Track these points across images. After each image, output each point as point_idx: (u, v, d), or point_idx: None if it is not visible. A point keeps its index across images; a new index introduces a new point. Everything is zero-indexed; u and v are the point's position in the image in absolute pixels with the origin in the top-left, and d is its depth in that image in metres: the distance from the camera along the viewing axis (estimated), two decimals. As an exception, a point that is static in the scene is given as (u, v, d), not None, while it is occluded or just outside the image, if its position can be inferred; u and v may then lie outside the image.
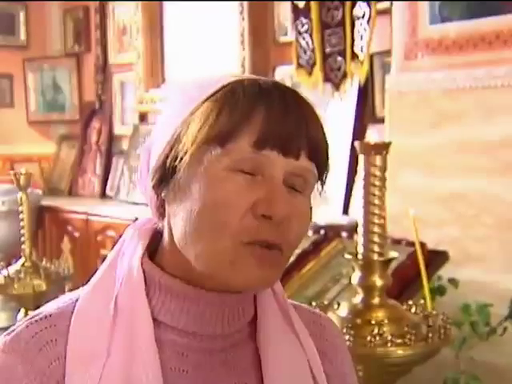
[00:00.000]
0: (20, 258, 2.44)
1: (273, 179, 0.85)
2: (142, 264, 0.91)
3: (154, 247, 0.94)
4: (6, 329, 0.92)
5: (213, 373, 0.91)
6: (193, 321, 0.90)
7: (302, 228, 0.88)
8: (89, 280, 0.95)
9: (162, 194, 0.90)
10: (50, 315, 0.90)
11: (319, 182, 0.91)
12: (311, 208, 0.90)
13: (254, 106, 0.85)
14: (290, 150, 0.85)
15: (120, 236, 0.97)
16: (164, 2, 4.92)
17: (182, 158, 0.86)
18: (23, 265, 2.41)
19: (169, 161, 0.87)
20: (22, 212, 2.42)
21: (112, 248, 0.97)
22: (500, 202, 2.61)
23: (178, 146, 0.87)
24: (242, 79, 0.89)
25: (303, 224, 0.88)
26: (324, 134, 0.89)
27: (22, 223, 2.42)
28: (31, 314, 0.93)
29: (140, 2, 4.88)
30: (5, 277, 2.37)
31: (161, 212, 0.93)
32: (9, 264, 2.47)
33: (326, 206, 3.27)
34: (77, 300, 0.92)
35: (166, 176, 0.88)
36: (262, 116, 0.84)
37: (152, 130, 0.95)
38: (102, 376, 0.85)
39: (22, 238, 2.42)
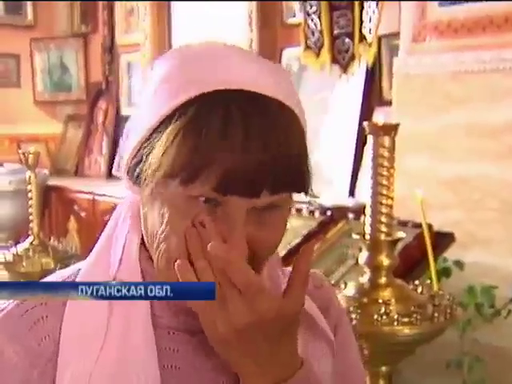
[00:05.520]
0: (27, 236, 2.45)
1: (233, 220, 0.82)
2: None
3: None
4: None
5: (202, 352, 0.90)
6: (179, 313, 0.89)
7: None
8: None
9: (136, 188, 0.89)
10: None
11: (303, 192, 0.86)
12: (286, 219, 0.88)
13: (216, 145, 0.79)
14: (251, 193, 0.82)
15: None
16: (171, -17, 4.92)
17: (145, 178, 0.85)
18: (32, 243, 2.42)
19: (137, 171, 0.86)
20: (30, 191, 2.43)
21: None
22: (505, 186, 2.62)
23: (145, 162, 0.85)
24: (203, 94, 0.81)
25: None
26: (296, 148, 0.83)
27: (30, 202, 2.43)
28: None
29: (147, -17, 4.88)
30: (13, 254, 2.39)
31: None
32: (17, 242, 2.48)
33: (332, 187, 3.28)
34: (71, 278, 0.93)
35: (136, 180, 0.87)
36: (223, 156, 0.79)
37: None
38: (98, 358, 0.85)
39: (30, 217, 2.42)
